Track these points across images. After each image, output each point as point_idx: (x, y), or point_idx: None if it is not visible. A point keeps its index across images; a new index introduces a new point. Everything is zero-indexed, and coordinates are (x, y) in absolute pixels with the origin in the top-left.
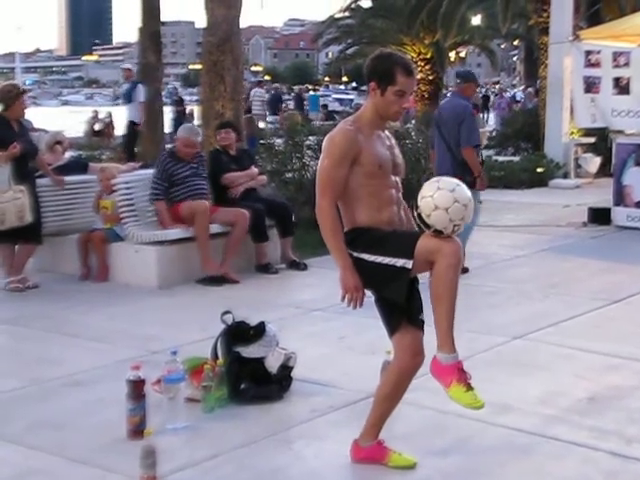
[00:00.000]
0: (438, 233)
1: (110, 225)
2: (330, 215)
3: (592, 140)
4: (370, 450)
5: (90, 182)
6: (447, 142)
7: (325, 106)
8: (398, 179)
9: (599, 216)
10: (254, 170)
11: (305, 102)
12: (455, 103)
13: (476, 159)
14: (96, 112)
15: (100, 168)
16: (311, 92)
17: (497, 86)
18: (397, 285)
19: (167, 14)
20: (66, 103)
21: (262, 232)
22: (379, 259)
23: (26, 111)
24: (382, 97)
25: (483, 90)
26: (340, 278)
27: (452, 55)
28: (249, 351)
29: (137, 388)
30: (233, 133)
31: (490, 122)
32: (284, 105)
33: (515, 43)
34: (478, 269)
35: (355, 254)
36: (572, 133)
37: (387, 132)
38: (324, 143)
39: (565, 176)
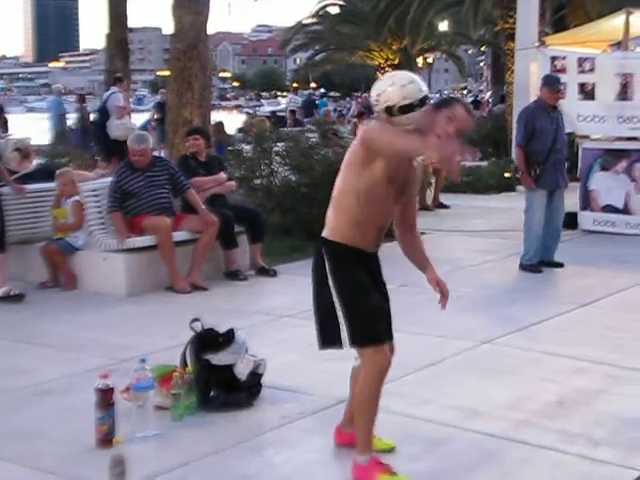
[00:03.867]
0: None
1: (62, 235)
2: (388, 130)
3: None
4: (353, 435)
5: (55, 190)
6: None
7: (293, 112)
8: (396, 207)
9: (566, 220)
10: (222, 176)
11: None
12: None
13: (520, 158)
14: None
15: (58, 173)
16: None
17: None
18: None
19: (134, 20)
20: (32, 110)
21: (231, 238)
22: (337, 303)
23: None
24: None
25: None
26: (435, 147)
27: (420, 61)
28: (218, 358)
29: (106, 397)
30: (202, 139)
31: None
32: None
33: (482, 49)
34: (446, 274)
35: (328, 270)
36: None
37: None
38: (361, 132)
39: None
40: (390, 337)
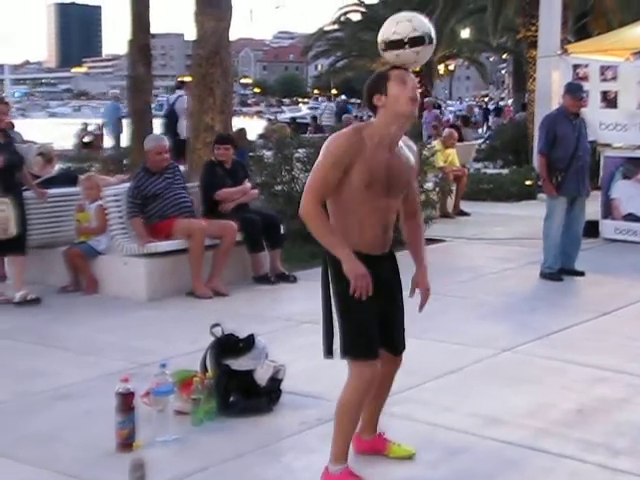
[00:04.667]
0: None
1: (84, 238)
2: (316, 213)
3: None
4: (371, 442)
5: (78, 194)
6: None
7: (315, 118)
8: (393, 202)
9: (587, 229)
10: (247, 185)
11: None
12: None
13: (542, 165)
14: (85, 124)
15: (83, 177)
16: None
17: (486, 98)
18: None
19: (157, 26)
20: (54, 115)
21: (257, 242)
22: (335, 313)
23: (15, 122)
24: (388, 96)
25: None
26: (346, 270)
27: (441, 68)
28: (238, 364)
29: (126, 401)
30: (232, 149)
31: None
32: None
33: (504, 56)
34: (467, 282)
35: (330, 279)
36: None
37: (407, 148)
38: (325, 143)
39: None
40: (394, 350)
